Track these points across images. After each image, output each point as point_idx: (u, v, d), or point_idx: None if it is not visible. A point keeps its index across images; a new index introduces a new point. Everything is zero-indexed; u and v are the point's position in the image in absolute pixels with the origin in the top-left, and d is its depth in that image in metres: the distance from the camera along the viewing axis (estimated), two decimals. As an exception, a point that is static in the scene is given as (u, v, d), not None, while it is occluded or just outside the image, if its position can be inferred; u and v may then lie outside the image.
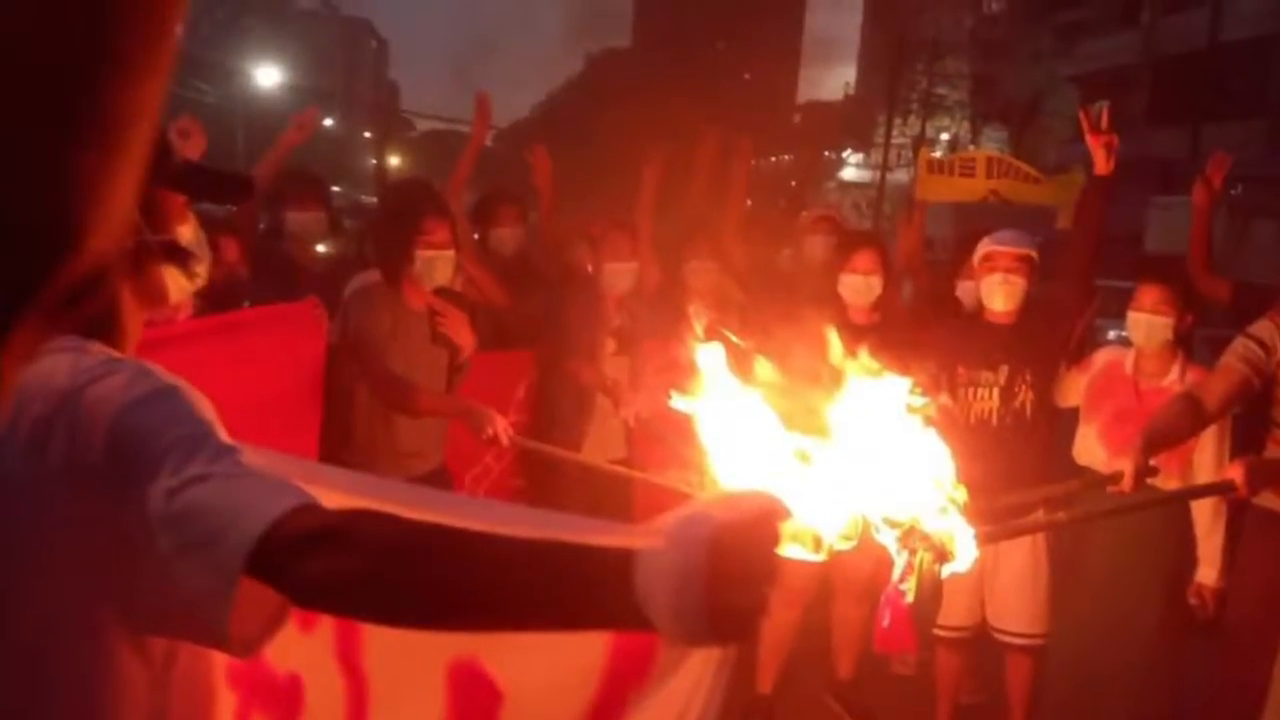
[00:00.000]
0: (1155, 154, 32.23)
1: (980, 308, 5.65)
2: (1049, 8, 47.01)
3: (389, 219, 5.29)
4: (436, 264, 5.08)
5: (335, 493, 1.78)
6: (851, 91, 68.29)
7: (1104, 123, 5.43)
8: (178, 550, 1.48)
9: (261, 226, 6.46)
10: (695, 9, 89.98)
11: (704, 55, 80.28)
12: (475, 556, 1.41)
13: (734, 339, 1.97)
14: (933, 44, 49.55)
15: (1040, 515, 4.82)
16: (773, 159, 55.14)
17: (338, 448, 4.97)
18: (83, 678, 1.60)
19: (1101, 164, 5.36)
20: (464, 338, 5.17)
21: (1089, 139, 5.37)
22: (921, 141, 47.17)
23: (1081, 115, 5.52)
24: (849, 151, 59.89)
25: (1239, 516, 5.09)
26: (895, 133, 49.65)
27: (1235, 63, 33.45)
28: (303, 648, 2.03)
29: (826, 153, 60.38)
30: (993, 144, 45.06)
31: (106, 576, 1.59)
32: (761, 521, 1.39)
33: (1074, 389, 5.55)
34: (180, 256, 1.85)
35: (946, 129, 53.42)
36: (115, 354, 1.68)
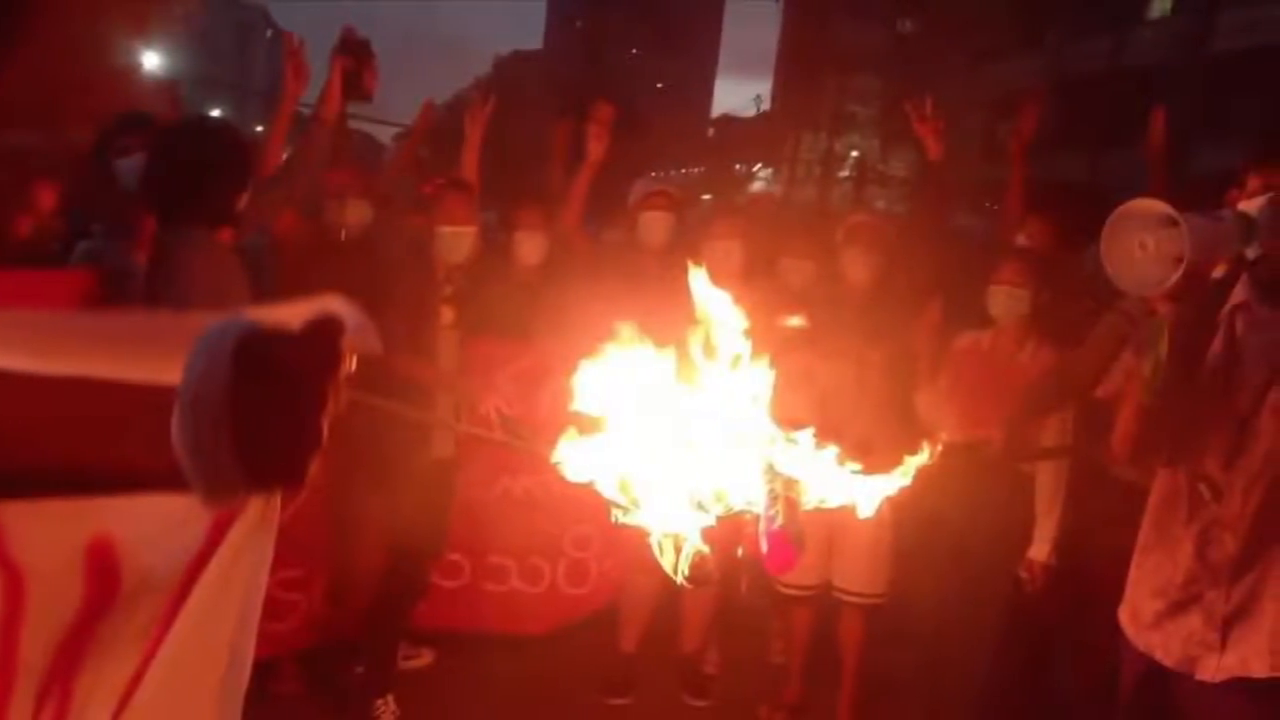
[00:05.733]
0: (1056, 176, 32.63)
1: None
2: (961, 29, 47.49)
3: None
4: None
5: None
6: (764, 105, 68.51)
7: (929, 110, 6.06)
8: None
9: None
10: (610, 15, 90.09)
11: (616, 62, 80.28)
12: None
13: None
14: (843, 57, 49.83)
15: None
16: (684, 170, 55.10)
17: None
18: None
19: (932, 148, 6.02)
20: None
21: (917, 127, 6.05)
22: (830, 158, 47.56)
23: (909, 106, 6.16)
24: (759, 166, 60.05)
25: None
26: (804, 148, 49.83)
27: (1136, 89, 33.93)
28: None
29: (738, 166, 60.50)
30: (902, 164, 45.38)
31: None
32: (312, 333, 1.10)
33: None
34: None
35: (856, 146, 53.72)
36: None
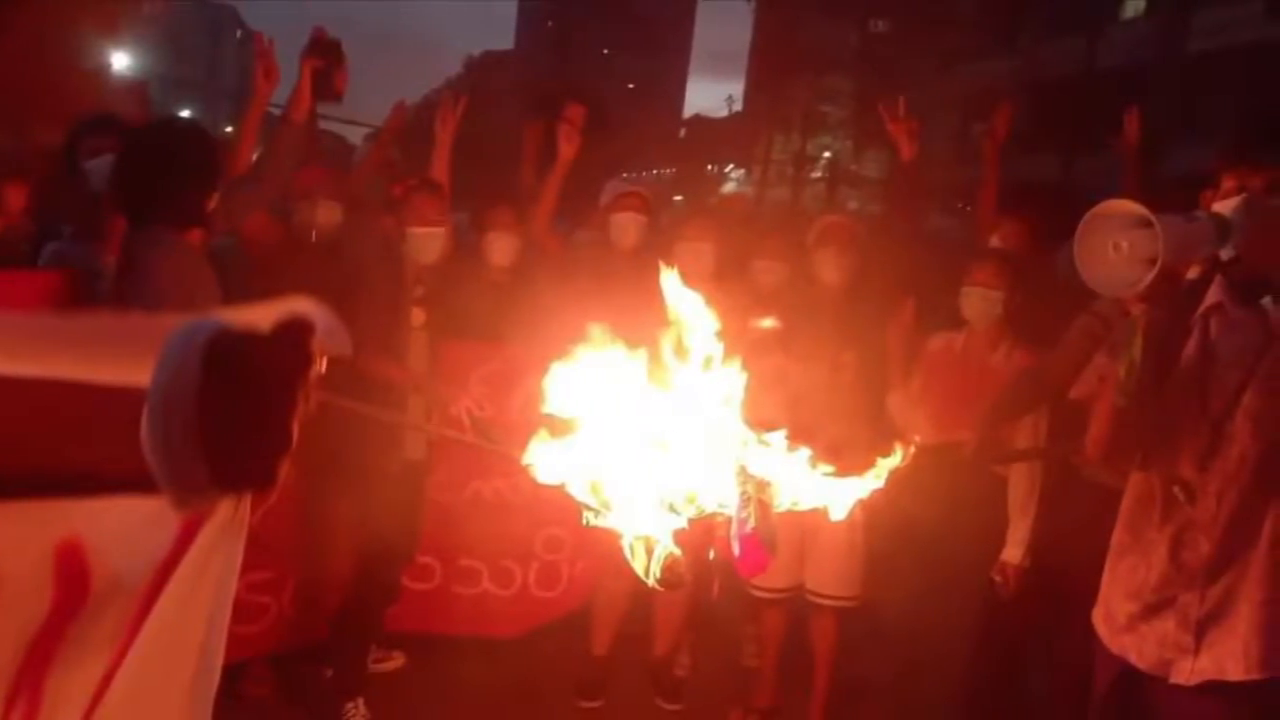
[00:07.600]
0: (1030, 177, 32.70)
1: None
2: (934, 30, 47.60)
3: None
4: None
5: None
6: (736, 106, 68.58)
7: (902, 111, 6.16)
8: None
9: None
10: (580, 15, 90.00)
11: (588, 62, 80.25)
12: None
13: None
14: (816, 58, 49.84)
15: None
16: (655, 171, 55.04)
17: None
18: None
19: (905, 150, 6.14)
20: None
21: (890, 127, 6.16)
22: (802, 158, 47.56)
23: (882, 107, 6.27)
24: (731, 166, 60.07)
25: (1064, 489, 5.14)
26: (777, 149, 49.85)
27: (1109, 90, 34.07)
28: None
29: (710, 167, 60.49)
30: (875, 165, 45.46)
31: None
32: (282, 334, 1.08)
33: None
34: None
35: (829, 146, 53.76)
36: None
